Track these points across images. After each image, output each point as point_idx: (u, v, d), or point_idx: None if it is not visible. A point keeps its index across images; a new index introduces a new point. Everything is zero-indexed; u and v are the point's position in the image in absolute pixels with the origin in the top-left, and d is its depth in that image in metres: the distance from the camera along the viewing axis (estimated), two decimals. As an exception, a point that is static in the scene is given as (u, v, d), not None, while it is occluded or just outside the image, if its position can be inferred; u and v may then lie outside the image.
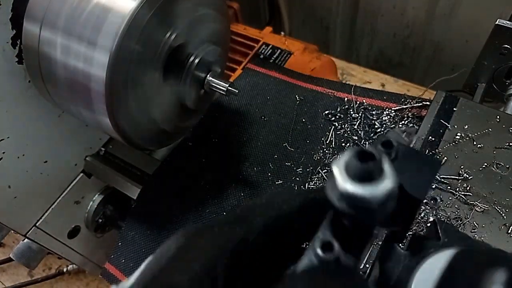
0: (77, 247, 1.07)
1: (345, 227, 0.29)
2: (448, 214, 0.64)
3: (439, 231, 0.40)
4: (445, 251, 0.35)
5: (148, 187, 0.91)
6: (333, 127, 0.87)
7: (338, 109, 0.89)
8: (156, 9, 0.60)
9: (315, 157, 0.84)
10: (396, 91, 0.88)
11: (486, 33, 0.75)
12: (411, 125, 0.72)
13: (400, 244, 0.40)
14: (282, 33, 1.18)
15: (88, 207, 1.05)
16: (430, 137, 0.72)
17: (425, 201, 0.66)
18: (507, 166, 0.67)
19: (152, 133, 0.74)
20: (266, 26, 1.23)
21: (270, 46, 1.11)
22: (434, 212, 0.65)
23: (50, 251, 1.01)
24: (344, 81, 1.29)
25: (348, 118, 0.87)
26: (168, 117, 0.75)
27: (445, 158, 0.69)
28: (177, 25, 0.65)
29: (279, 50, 1.10)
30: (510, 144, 0.69)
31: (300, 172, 0.83)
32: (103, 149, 0.98)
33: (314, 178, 0.81)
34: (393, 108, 0.84)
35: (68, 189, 0.96)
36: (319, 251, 0.27)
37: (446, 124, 0.73)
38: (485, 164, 0.68)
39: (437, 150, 0.70)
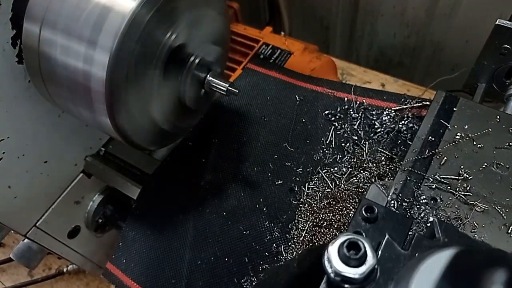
0: (77, 247, 1.07)
1: None
2: (448, 214, 0.64)
3: (439, 231, 0.40)
4: (445, 251, 0.35)
5: (148, 187, 0.91)
6: (333, 127, 0.87)
7: (338, 109, 0.89)
8: (156, 9, 0.60)
9: (315, 157, 0.84)
10: (396, 91, 0.88)
11: (486, 33, 0.75)
12: (388, 178, 0.75)
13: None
14: (282, 33, 1.18)
15: (88, 207, 1.05)
16: (430, 137, 0.72)
17: (425, 201, 0.66)
18: (507, 166, 0.67)
19: (152, 133, 0.74)
20: (266, 26, 1.23)
21: (270, 46, 1.11)
22: (434, 212, 0.65)
23: (50, 251, 1.02)
24: (344, 81, 1.30)
25: (348, 118, 0.87)
26: (168, 117, 0.75)
27: (445, 158, 0.69)
28: (177, 25, 0.65)
29: (279, 50, 1.10)
30: (510, 144, 0.69)
31: (300, 172, 0.83)
32: (103, 149, 0.98)
33: (314, 178, 0.81)
34: (393, 108, 0.84)
35: (68, 189, 0.96)
36: None
37: (446, 124, 0.73)
38: (485, 164, 0.68)
39: (437, 150, 0.70)
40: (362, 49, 1.84)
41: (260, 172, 0.86)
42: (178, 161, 0.93)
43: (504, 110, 0.79)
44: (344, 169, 0.80)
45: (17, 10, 0.64)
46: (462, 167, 0.68)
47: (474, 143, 0.70)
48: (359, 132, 0.84)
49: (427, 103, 0.81)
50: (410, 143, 0.75)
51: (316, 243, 0.73)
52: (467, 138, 0.71)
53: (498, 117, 0.72)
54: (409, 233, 0.47)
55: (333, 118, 0.88)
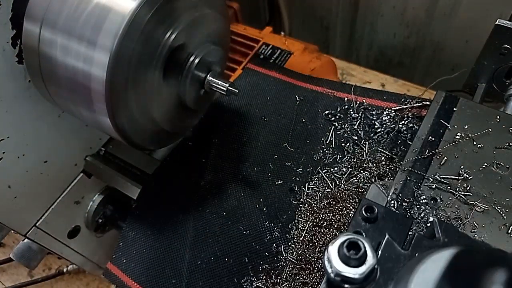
0: (77, 247, 1.07)
1: None
2: (448, 214, 0.64)
3: (439, 231, 0.40)
4: (445, 251, 0.35)
5: (148, 187, 0.91)
6: (333, 127, 0.87)
7: (338, 109, 0.89)
8: (156, 9, 0.60)
9: (315, 157, 0.84)
10: (396, 91, 0.88)
11: (486, 33, 0.75)
12: (388, 178, 0.75)
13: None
14: (282, 33, 1.18)
15: (88, 207, 1.05)
16: (430, 137, 0.72)
17: (425, 201, 0.66)
18: (507, 166, 0.67)
19: (152, 133, 0.74)
20: (266, 26, 1.23)
21: (270, 46, 1.11)
22: (434, 212, 0.65)
23: (50, 251, 1.02)
24: (344, 81, 1.30)
25: (348, 118, 0.87)
26: (168, 117, 0.75)
27: (445, 158, 0.69)
28: (177, 25, 0.65)
29: (279, 50, 1.10)
30: (510, 144, 0.69)
31: (300, 172, 0.83)
32: (103, 149, 0.98)
33: (314, 178, 0.81)
34: (393, 108, 0.84)
35: (68, 189, 0.96)
36: None
37: (446, 124, 0.73)
38: (485, 164, 0.68)
39: (437, 150, 0.70)
40: (362, 49, 1.84)
41: (260, 172, 0.86)
42: (178, 161, 0.93)
43: (504, 110, 0.79)
44: (344, 169, 0.80)
45: (17, 10, 0.64)
46: (462, 167, 0.68)
47: (474, 143, 0.70)
48: (359, 132, 0.84)
49: (427, 103, 0.81)
50: (410, 143, 0.75)
51: (316, 243, 0.73)
52: (467, 138, 0.71)
53: (498, 117, 0.72)
54: (409, 233, 0.47)
55: (333, 118, 0.88)
